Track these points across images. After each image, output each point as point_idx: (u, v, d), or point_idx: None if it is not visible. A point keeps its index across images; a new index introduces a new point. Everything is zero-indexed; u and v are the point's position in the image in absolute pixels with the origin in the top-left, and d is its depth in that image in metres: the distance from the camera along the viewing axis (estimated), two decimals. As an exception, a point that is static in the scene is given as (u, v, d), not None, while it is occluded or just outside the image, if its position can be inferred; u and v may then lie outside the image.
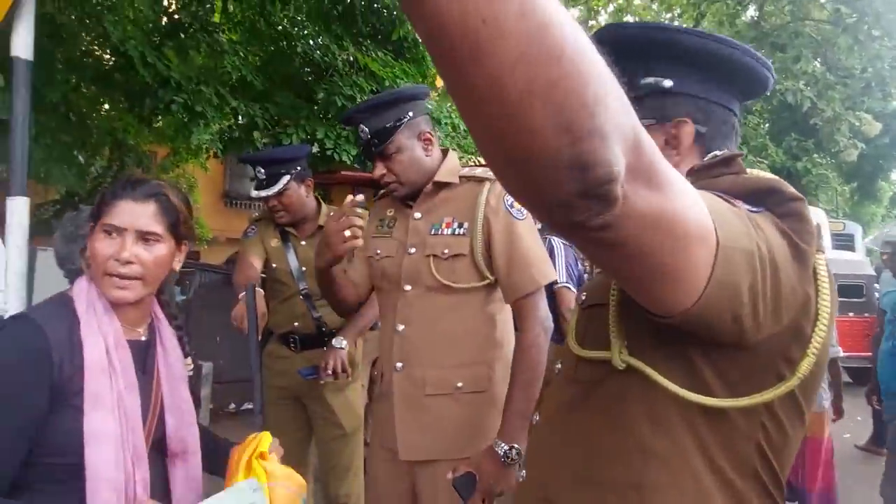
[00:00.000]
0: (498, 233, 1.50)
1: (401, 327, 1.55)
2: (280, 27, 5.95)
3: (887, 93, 12.02)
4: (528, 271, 1.49)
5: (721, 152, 0.73)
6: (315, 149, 5.06)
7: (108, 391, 1.04)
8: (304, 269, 2.32)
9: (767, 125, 14.13)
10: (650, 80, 0.78)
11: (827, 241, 4.82)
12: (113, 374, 1.05)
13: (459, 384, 1.51)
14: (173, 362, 1.21)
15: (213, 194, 11.59)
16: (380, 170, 1.54)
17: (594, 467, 0.70)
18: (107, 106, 5.42)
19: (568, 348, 0.79)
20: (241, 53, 5.42)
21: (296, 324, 2.32)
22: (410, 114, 1.53)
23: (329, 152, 5.00)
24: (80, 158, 5.45)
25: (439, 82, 7.22)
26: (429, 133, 1.57)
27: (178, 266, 1.21)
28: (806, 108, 10.56)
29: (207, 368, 4.58)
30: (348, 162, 5.19)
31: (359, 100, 4.98)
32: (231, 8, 5.79)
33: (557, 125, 0.37)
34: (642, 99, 0.77)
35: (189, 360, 4.20)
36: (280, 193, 2.23)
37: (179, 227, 1.16)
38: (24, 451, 0.97)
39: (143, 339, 1.18)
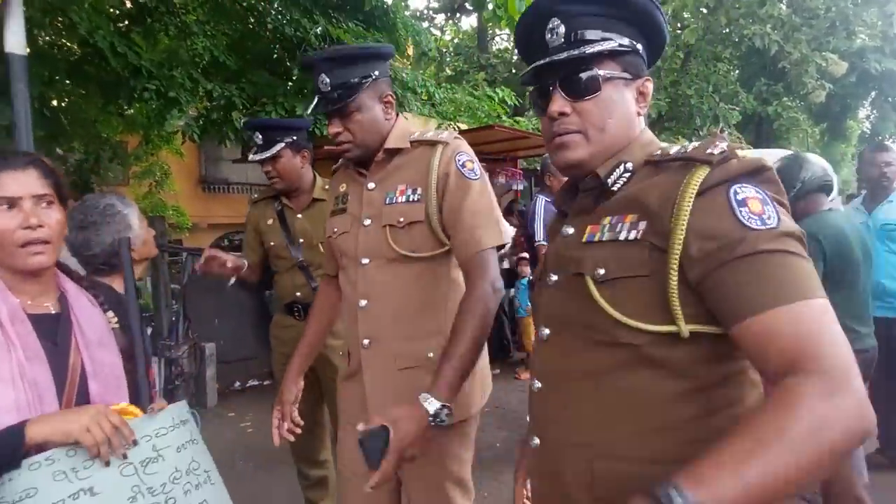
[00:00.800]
0: (450, 193, 1.43)
1: (363, 302, 1.49)
2: (245, 3, 5.86)
3: (851, 31, 12.21)
4: (477, 231, 1.41)
5: (724, 145, 0.83)
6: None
7: (6, 364, 1.08)
8: (301, 240, 2.43)
9: (737, 72, 14.29)
10: (626, 40, 0.91)
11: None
12: (12, 348, 1.09)
13: (430, 354, 1.44)
14: (91, 331, 1.25)
15: (190, 181, 11.44)
16: (335, 127, 1.45)
17: (656, 418, 0.83)
18: (79, 98, 5.34)
19: (567, 313, 0.92)
20: (210, 33, 5.35)
21: (297, 294, 2.43)
22: (376, 73, 1.44)
23: (310, 128, 5.01)
24: (59, 151, 5.41)
25: (411, 50, 7.20)
26: (390, 95, 1.49)
27: (66, 231, 1.26)
28: (773, 51, 10.71)
29: (210, 349, 4.68)
30: (329, 136, 5.21)
31: (335, 73, 4.98)
32: (195, -13, 5.68)
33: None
34: (624, 55, 0.92)
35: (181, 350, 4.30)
36: (273, 158, 2.33)
37: (62, 188, 1.21)
38: None
39: (53, 312, 1.22)
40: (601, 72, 0.90)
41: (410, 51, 7.44)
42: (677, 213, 0.79)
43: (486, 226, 1.42)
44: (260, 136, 2.35)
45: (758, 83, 13.18)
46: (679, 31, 12.88)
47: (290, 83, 5.47)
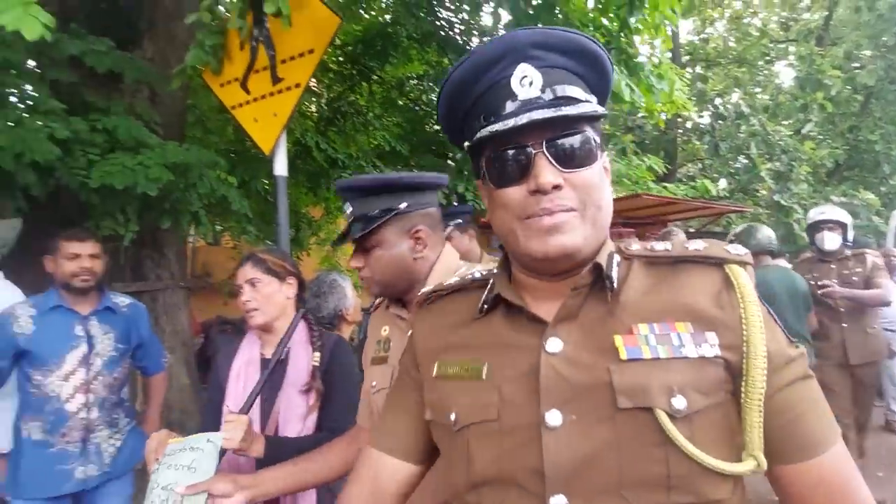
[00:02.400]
0: None
1: None
2: (412, 96, 6.84)
3: None
4: None
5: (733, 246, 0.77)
6: (456, 201, 5.75)
7: (235, 391, 1.63)
8: None
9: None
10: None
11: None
12: (241, 380, 1.65)
13: None
14: (295, 375, 1.65)
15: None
16: (356, 261, 1.29)
17: None
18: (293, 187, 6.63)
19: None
20: (385, 126, 6.35)
21: None
22: (403, 205, 1.25)
23: (472, 212, 5.65)
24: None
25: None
26: (421, 230, 1.26)
27: (290, 293, 1.73)
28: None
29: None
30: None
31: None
32: (374, 89, 6.80)
33: None
34: (598, 122, 0.78)
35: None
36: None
37: (271, 268, 1.70)
38: None
39: (279, 358, 1.61)
40: (595, 137, 0.74)
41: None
42: (749, 320, 0.68)
43: None
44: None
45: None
46: (857, 71, 11.90)
47: (451, 163, 6.20)
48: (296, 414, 1.62)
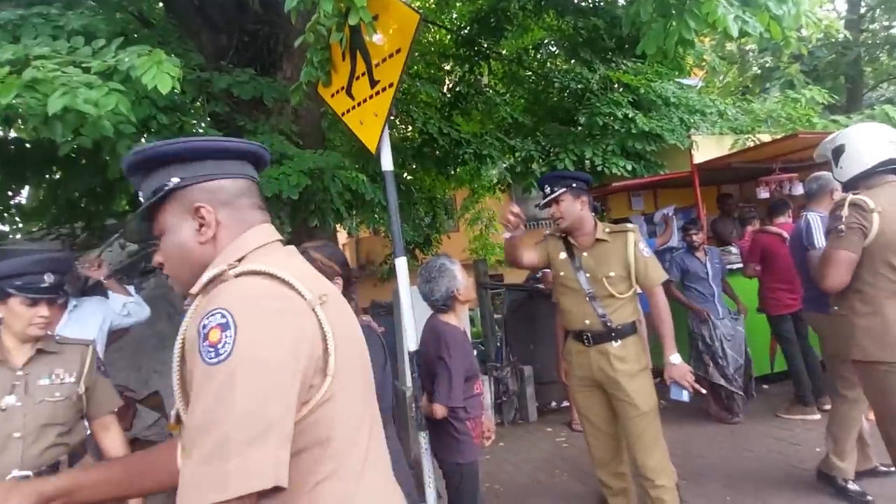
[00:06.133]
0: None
1: None
2: (534, 69, 6.74)
3: None
4: None
5: None
6: (587, 167, 5.60)
7: None
8: (587, 275, 2.84)
9: None
10: None
11: None
12: None
13: None
14: None
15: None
16: (157, 257, 1.06)
17: None
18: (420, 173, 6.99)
19: None
20: (508, 101, 6.37)
21: (586, 322, 2.79)
22: (175, 180, 1.00)
23: (599, 167, 5.46)
24: (414, 217, 7.17)
25: (697, 73, 7.04)
26: (203, 207, 1.00)
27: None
28: None
29: (528, 371, 5.42)
30: (618, 173, 5.56)
31: (617, 115, 5.33)
32: (494, 67, 6.83)
33: None
34: None
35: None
36: (556, 200, 2.83)
37: (321, 269, 1.63)
38: None
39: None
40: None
41: (697, 73, 7.25)
42: None
43: None
44: (548, 188, 2.88)
45: None
46: None
47: (578, 130, 6.04)
48: None
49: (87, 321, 3.42)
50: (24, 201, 5.17)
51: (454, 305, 2.62)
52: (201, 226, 1.00)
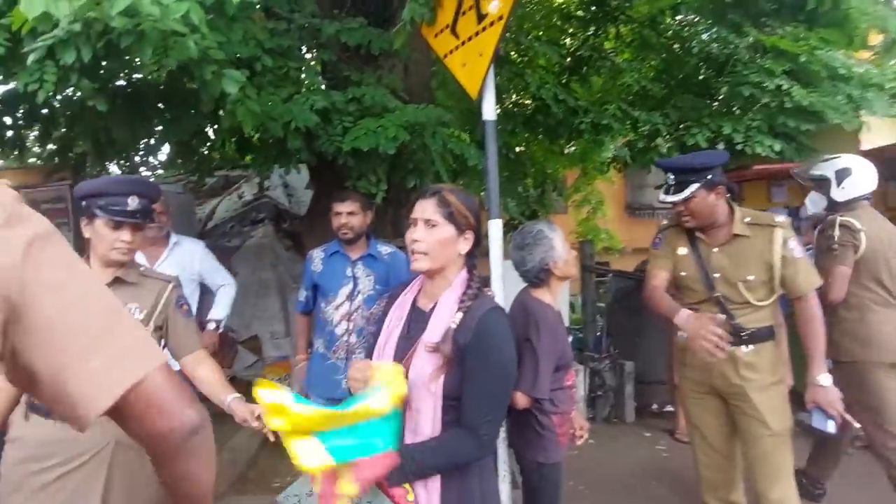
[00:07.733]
0: None
1: None
2: (671, 33, 5.98)
3: None
4: None
5: None
6: (723, 146, 4.86)
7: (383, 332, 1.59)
8: (716, 275, 2.34)
9: None
10: None
11: None
12: (388, 324, 1.58)
13: None
14: (432, 333, 1.46)
15: (618, 207, 12.23)
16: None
17: None
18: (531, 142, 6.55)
19: None
20: (638, 67, 5.70)
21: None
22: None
23: (739, 146, 4.71)
24: (520, 189, 6.75)
25: (872, 40, 5.88)
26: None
27: (463, 249, 1.51)
28: None
29: (629, 367, 4.90)
30: (762, 154, 4.77)
31: (768, 85, 4.56)
32: (622, 31, 6.16)
33: None
34: None
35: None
36: (686, 200, 2.32)
37: (455, 216, 1.48)
38: None
39: (425, 310, 1.52)
40: None
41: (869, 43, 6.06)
42: None
43: None
44: (672, 177, 2.37)
45: None
46: None
47: (715, 103, 5.27)
48: (422, 374, 1.43)
49: (184, 260, 3.47)
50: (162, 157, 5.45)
51: (549, 280, 2.25)
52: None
